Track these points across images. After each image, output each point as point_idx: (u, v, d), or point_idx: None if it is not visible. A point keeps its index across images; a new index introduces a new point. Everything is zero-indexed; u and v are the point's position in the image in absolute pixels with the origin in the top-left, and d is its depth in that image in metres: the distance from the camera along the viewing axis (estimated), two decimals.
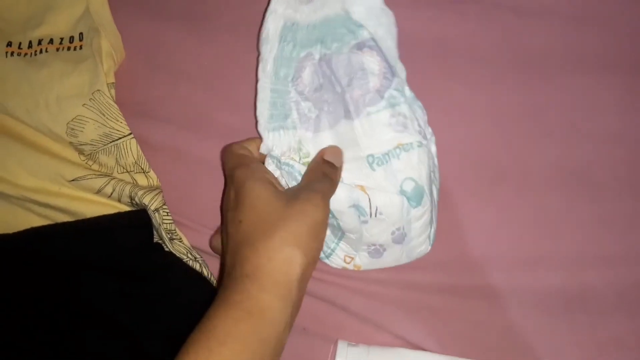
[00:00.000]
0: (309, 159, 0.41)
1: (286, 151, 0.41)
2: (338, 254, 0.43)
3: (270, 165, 0.41)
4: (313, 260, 0.35)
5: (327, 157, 0.40)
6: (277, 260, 0.34)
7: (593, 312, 0.43)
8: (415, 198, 0.39)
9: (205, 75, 0.48)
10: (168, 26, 0.49)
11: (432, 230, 0.42)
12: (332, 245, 0.43)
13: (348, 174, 0.40)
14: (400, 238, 0.40)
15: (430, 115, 0.47)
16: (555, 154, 0.46)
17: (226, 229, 0.37)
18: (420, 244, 0.42)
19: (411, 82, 0.48)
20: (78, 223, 0.44)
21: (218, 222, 0.45)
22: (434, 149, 0.42)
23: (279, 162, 0.41)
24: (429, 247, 0.42)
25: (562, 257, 0.45)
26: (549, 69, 0.49)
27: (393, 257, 0.42)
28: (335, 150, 0.40)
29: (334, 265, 0.44)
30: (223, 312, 0.33)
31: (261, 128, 0.42)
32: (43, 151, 0.45)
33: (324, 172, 0.39)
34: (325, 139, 0.41)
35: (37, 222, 0.44)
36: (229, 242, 0.36)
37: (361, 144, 0.40)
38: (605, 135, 0.47)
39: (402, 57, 0.48)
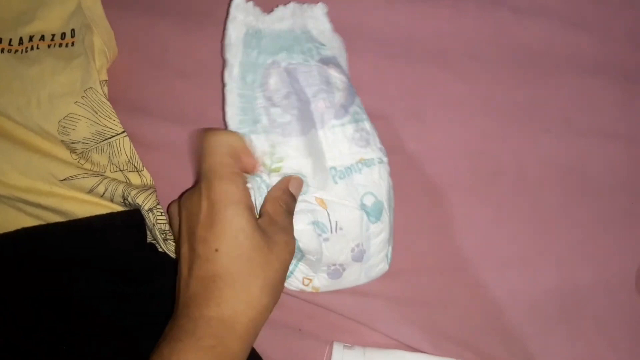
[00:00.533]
0: (282, 164, 0.40)
1: (259, 156, 0.41)
2: (296, 276, 0.43)
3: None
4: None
5: (292, 189, 0.39)
6: (254, 309, 0.34)
7: (587, 316, 0.43)
8: (374, 213, 0.40)
9: (200, 71, 0.47)
10: (162, 22, 0.48)
11: (390, 249, 0.42)
12: (291, 267, 0.42)
13: (313, 183, 0.40)
14: (359, 255, 0.41)
15: (426, 110, 0.47)
16: (551, 150, 0.46)
17: (190, 242, 0.35)
18: (378, 262, 0.42)
19: (407, 77, 0.48)
20: (70, 223, 0.43)
21: None
22: (388, 168, 0.42)
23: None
24: (387, 266, 0.42)
25: (557, 255, 0.44)
26: (545, 66, 0.49)
27: (352, 277, 0.42)
28: (299, 183, 0.40)
29: (292, 288, 0.43)
30: (193, 354, 0.32)
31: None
32: (34, 150, 0.44)
33: (287, 204, 0.38)
34: (298, 145, 0.40)
35: (28, 222, 0.43)
36: (195, 262, 0.34)
37: (326, 155, 0.41)
38: (600, 132, 0.47)
39: (399, 53, 0.48)
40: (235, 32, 0.43)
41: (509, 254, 0.44)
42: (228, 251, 0.34)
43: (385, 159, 0.41)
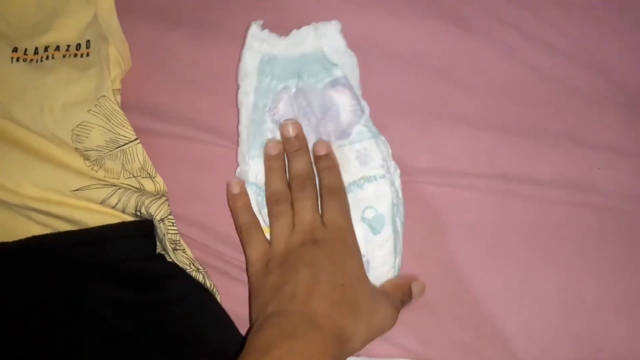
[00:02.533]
0: None
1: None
2: None
3: (251, 193, 0.44)
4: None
5: (414, 287, 0.42)
6: (361, 339, 0.38)
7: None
8: (376, 226, 0.42)
9: (211, 81, 0.48)
10: (175, 33, 0.49)
11: (397, 260, 0.43)
12: None
13: None
14: (365, 266, 0.41)
15: (434, 125, 0.48)
16: (559, 164, 0.47)
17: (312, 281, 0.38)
18: (385, 273, 0.42)
19: (415, 91, 0.48)
20: (81, 232, 0.43)
21: (223, 225, 0.45)
22: (397, 182, 0.44)
23: (259, 188, 0.44)
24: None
25: (563, 264, 0.45)
26: (552, 84, 0.49)
27: None
28: (422, 288, 0.43)
29: None
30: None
31: (240, 155, 0.45)
32: (47, 159, 0.44)
33: (404, 295, 0.41)
34: None
35: (38, 230, 0.43)
36: (317, 289, 0.37)
37: None
38: (608, 147, 0.48)
39: (408, 67, 0.49)
40: (251, 60, 0.46)
41: (515, 265, 0.45)
42: (355, 287, 0.39)
43: (387, 175, 0.43)
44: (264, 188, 0.44)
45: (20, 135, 0.45)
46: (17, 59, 0.45)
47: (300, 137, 0.44)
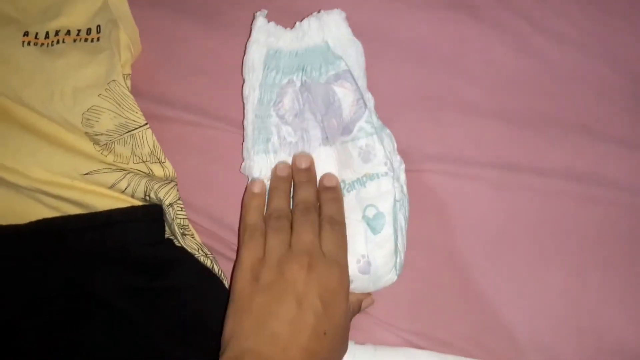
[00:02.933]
0: None
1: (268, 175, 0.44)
2: None
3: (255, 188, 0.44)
4: None
5: (364, 303, 0.43)
6: None
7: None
8: (376, 225, 0.41)
9: (220, 69, 0.48)
10: (185, 21, 0.49)
11: (399, 260, 0.42)
12: None
13: None
14: (366, 267, 0.41)
15: (443, 114, 0.48)
16: (567, 156, 0.47)
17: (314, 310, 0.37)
18: (386, 273, 0.42)
19: (424, 81, 0.48)
20: (90, 216, 0.43)
21: (231, 214, 0.45)
22: (402, 177, 0.44)
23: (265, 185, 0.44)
24: (396, 277, 0.42)
25: (568, 259, 0.45)
26: (562, 75, 0.49)
27: (360, 289, 0.43)
28: (371, 302, 0.44)
29: None
30: None
31: (245, 151, 0.45)
32: (58, 143, 0.44)
33: (353, 313, 0.42)
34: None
35: (47, 213, 0.43)
36: (300, 338, 0.36)
37: (335, 171, 0.44)
38: (617, 139, 0.48)
39: (417, 57, 0.49)
40: (257, 54, 0.45)
41: (520, 257, 0.45)
42: (335, 335, 0.38)
43: (390, 173, 0.42)
44: (266, 183, 0.44)
45: (30, 119, 0.45)
46: (28, 43, 0.45)
47: (311, 171, 0.44)
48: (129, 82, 0.46)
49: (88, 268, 0.42)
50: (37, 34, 0.46)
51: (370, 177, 0.42)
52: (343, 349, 0.39)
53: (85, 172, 0.43)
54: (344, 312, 0.38)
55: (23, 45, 0.45)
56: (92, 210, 0.43)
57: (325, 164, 0.44)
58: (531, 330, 0.43)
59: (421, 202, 0.45)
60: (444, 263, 0.45)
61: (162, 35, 0.49)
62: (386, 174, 0.42)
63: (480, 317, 0.44)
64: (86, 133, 0.44)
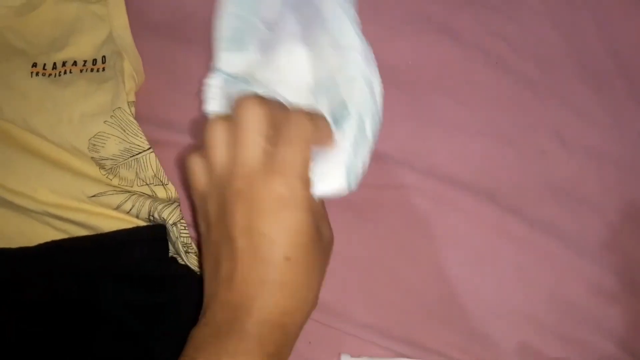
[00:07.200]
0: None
1: (239, 74, 0.39)
2: None
3: (219, 81, 0.39)
4: None
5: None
6: (307, 316, 0.34)
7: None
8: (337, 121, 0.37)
9: None
10: (186, 50, 0.51)
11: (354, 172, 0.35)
12: None
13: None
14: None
15: (428, 135, 0.50)
16: (547, 171, 0.49)
17: (251, 238, 0.32)
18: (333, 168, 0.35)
19: (409, 101, 0.50)
20: (97, 236, 0.45)
21: None
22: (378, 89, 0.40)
23: (229, 77, 0.39)
24: (345, 185, 0.34)
25: (552, 269, 0.46)
26: (540, 91, 0.52)
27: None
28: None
29: None
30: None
31: (218, 47, 0.40)
32: (65, 168, 0.46)
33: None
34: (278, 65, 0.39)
35: (55, 236, 0.45)
36: (259, 264, 0.32)
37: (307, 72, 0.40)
38: (593, 151, 0.50)
39: (403, 80, 0.51)
40: None
41: (505, 268, 0.46)
42: (297, 260, 0.32)
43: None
44: (234, 77, 0.39)
45: (38, 144, 0.47)
46: (37, 74, 0.47)
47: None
48: (133, 109, 0.48)
49: (92, 285, 0.43)
50: (45, 64, 0.48)
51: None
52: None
53: (91, 195, 0.45)
54: (310, 225, 0.32)
55: (32, 76, 0.47)
56: (99, 232, 0.45)
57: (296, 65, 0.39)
58: (517, 337, 0.44)
59: (407, 216, 0.46)
60: (430, 274, 0.46)
61: (164, 63, 0.51)
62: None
63: (467, 326, 0.44)
64: (92, 158, 0.46)
